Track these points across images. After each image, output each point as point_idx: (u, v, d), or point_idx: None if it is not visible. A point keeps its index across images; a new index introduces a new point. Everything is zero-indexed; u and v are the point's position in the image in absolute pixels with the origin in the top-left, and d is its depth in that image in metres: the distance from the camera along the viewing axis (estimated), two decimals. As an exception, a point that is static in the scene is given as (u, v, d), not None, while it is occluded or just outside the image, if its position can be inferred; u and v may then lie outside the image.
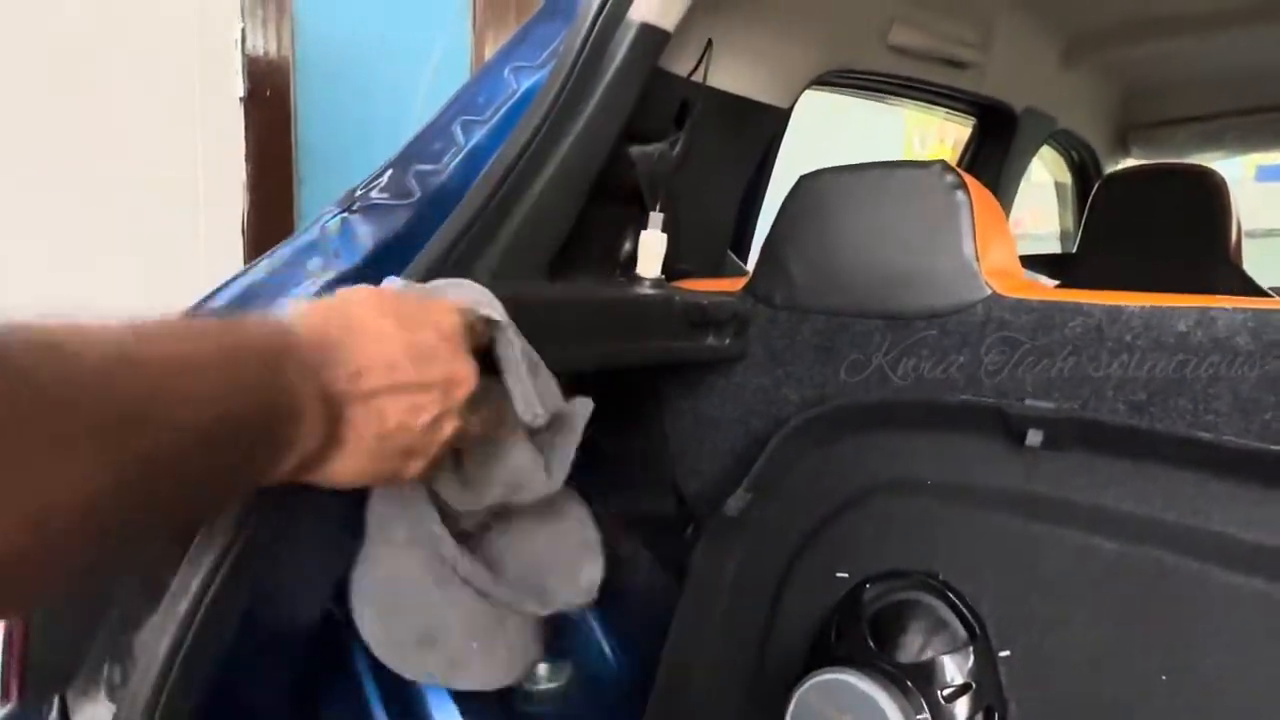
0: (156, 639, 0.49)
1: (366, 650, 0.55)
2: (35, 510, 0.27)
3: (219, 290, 0.72)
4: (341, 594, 0.58)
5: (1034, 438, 0.73)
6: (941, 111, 1.65)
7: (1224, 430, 0.64)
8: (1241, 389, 0.63)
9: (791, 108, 1.18)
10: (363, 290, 0.47)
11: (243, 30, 1.93)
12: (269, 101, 1.97)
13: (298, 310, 0.43)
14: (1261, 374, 0.62)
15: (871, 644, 0.74)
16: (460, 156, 0.79)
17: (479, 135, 0.80)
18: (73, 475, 0.28)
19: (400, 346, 0.44)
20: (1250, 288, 1.44)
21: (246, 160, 1.96)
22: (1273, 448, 0.62)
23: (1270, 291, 1.52)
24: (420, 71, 1.97)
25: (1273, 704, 0.60)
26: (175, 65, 1.85)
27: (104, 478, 0.29)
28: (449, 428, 0.46)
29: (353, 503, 0.52)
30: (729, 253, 1.21)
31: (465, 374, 0.47)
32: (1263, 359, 0.62)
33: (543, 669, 0.90)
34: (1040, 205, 2.38)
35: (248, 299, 0.69)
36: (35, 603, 0.29)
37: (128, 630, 0.53)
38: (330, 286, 0.67)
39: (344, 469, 0.43)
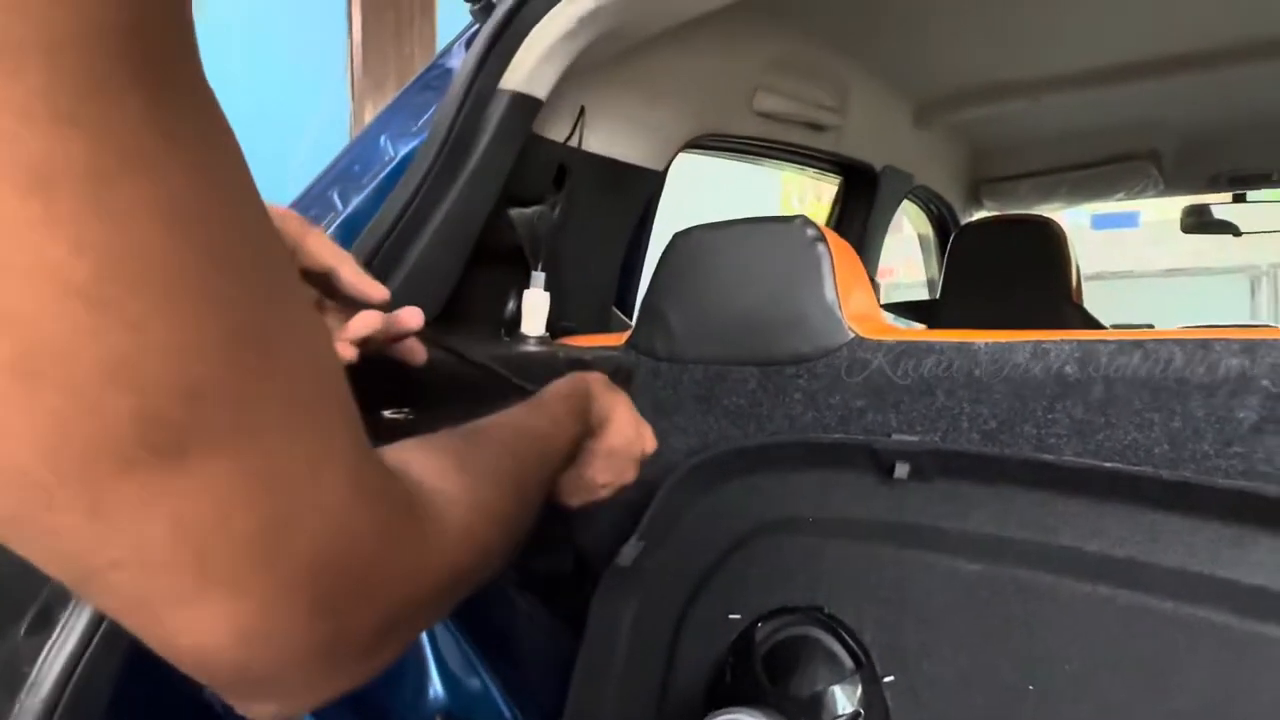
0: (13, 736, 0.46)
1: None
2: (499, 521, 0.40)
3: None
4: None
5: (901, 470, 0.77)
6: (809, 171, 1.76)
7: (1064, 451, 0.70)
8: (1075, 413, 0.69)
9: (666, 169, 1.24)
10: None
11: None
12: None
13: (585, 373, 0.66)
14: (1089, 398, 0.68)
15: (766, 681, 0.76)
16: (338, 222, 0.79)
17: (357, 201, 0.81)
18: (509, 503, 0.42)
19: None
20: (1091, 325, 1.58)
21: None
22: (1105, 465, 0.68)
23: (1110, 328, 1.67)
24: (297, 141, 1.96)
25: (1128, 700, 0.65)
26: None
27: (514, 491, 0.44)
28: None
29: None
30: (614, 309, 1.24)
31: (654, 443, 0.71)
32: (1089, 385, 0.68)
33: (441, 738, 0.87)
34: (911, 256, 2.54)
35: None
36: (484, 580, 0.40)
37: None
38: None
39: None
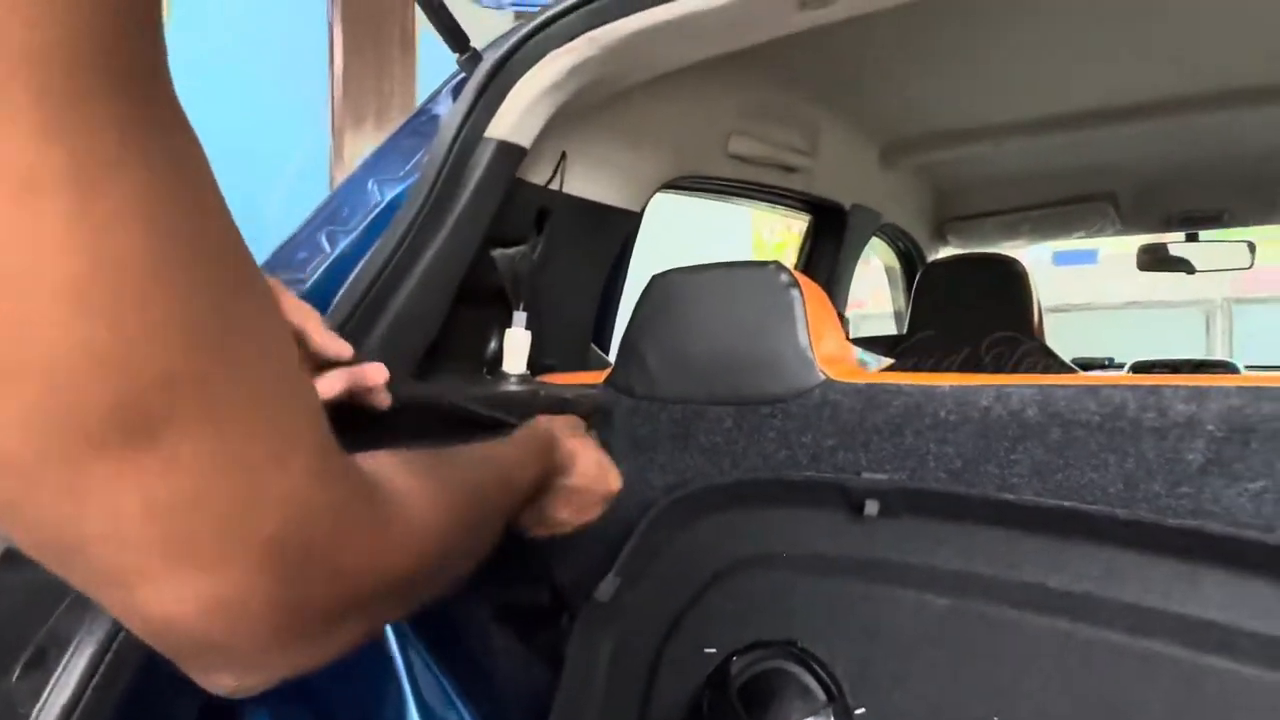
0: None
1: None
2: (456, 525, 0.41)
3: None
4: (211, 710, 0.57)
5: (871, 508, 0.80)
6: (781, 210, 1.80)
7: (1025, 491, 0.73)
8: (1035, 454, 0.73)
9: (643, 210, 1.27)
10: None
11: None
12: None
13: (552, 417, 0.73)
14: (1049, 440, 0.72)
15: (742, 713, 0.78)
16: (327, 264, 0.81)
17: (345, 243, 0.83)
18: (465, 513, 0.44)
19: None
20: (1051, 359, 1.63)
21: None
22: (1064, 503, 0.71)
23: (1070, 362, 1.73)
24: (279, 175, 1.97)
25: None
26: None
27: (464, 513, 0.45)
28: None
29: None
30: (592, 346, 1.27)
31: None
32: (1048, 427, 0.72)
33: (420, 774, 0.88)
34: (879, 285, 2.61)
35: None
36: (443, 588, 0.43)
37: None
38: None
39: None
